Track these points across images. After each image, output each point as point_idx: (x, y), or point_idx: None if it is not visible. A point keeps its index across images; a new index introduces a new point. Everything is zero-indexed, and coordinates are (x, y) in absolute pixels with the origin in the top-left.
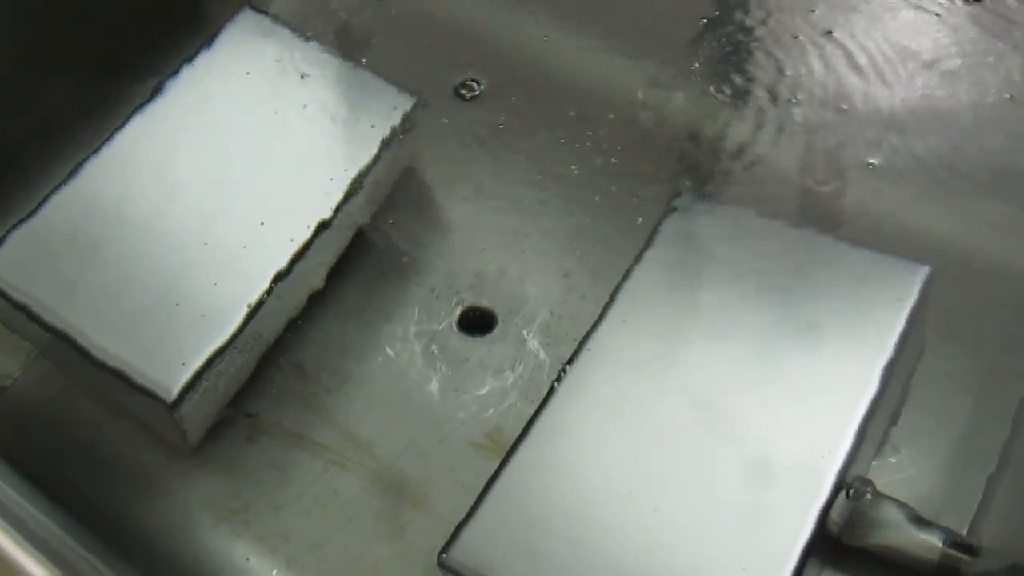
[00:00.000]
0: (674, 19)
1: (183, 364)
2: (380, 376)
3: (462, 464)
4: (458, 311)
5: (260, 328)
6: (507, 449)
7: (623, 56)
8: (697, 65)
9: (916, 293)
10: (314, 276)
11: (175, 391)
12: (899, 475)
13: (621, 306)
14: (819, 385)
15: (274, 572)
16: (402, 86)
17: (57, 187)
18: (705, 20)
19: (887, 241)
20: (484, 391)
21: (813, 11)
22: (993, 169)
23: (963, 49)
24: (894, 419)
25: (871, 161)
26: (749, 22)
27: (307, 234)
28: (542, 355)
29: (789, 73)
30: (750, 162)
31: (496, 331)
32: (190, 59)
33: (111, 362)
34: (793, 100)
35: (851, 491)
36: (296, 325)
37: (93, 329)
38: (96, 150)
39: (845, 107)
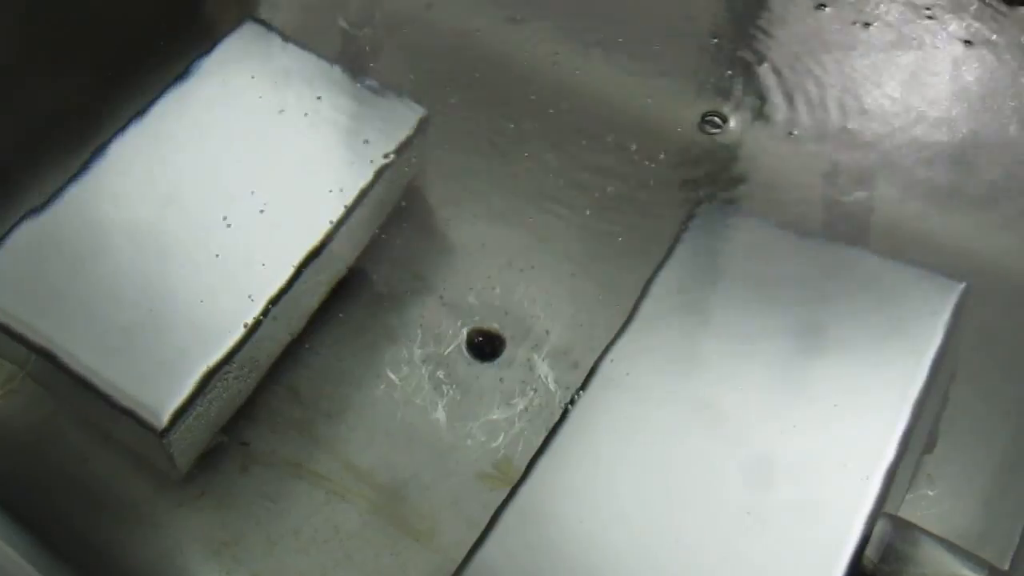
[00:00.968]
0: (686, 34)
1: (174, 387)
2: (382, 403)
3: (469, 496)
4: (465, 334)
5: (256, 351)
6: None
7: (634, 72)
8: (711, 79)
9: (951, 310)
10: (313, 297)
11: (165, 416)
12: (936, 508)
13: (637, 326)
14: (849, 409)
15: None
16: (407, 100)
17: (45, 201)
18: (716, 40)
19: (918, 256)
20: (492, 419)
21: (836, 26)
22: None
23: (989, 63)
24: (929, 446)
25: (900, 174)
26: (763, 37)
27: (306, 252)
28: (553, 381)
29: (810, 85)
30: (770, 177)
31: (504, 356)
32: (187, 70)
33: (98, 384)
34: (815, 111)
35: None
36: (294, 348)
37: (79, 349)
38: (86, 163)
39: (871, 120)
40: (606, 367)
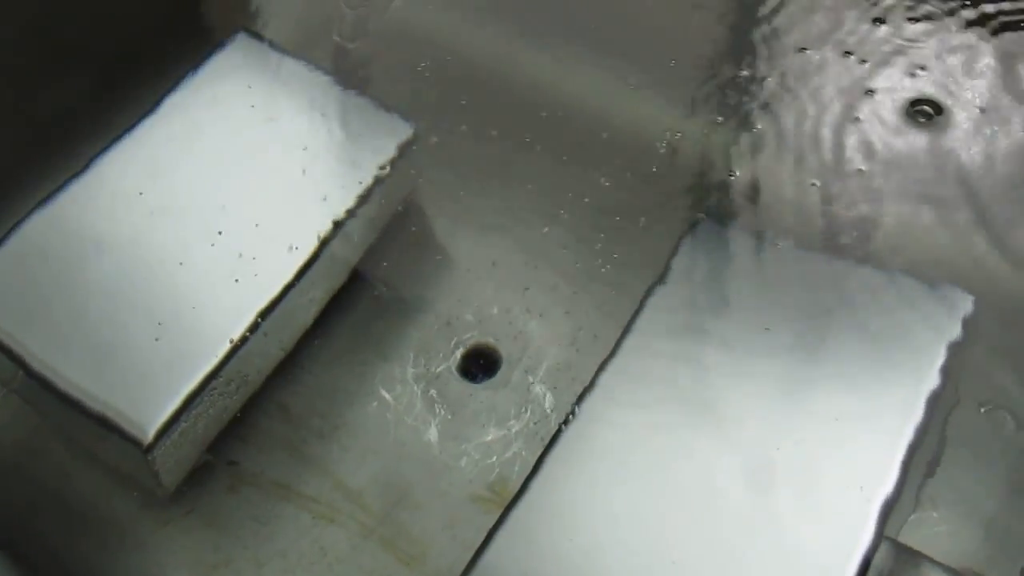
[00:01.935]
0: (682, 49)
1: (160, 402)
2: (374, 422)
3: (462, 519)
4: (459, 353)
5: (245, 367)
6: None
7: (630, 88)
8: (710, 95)
9: (958, 324)
10: (304, 313)
11: (151, 432)
12: (938, 531)
13: (633, 343)
14: (852, 426)
15: None
16: (401, 114)
17: (30, 212)
18: (713, 54)
19: (921, 271)
20: (486, 439)
21: (842, 40)
22: None
23: (999, 76)
24: (933, 466)
25: (901, 187)
26: (765, 51)
27: (297, 267)
28: (549, 400)
29: (809, 97)
30: (769, 191)
31: (500, 374)
32: (179, 82)
33: (82, 399)
34: (814, 123)
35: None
36: (284, 366)
37: (64, 363)
38: (74, 176)
39: (872, 132)
40: (602, 385)
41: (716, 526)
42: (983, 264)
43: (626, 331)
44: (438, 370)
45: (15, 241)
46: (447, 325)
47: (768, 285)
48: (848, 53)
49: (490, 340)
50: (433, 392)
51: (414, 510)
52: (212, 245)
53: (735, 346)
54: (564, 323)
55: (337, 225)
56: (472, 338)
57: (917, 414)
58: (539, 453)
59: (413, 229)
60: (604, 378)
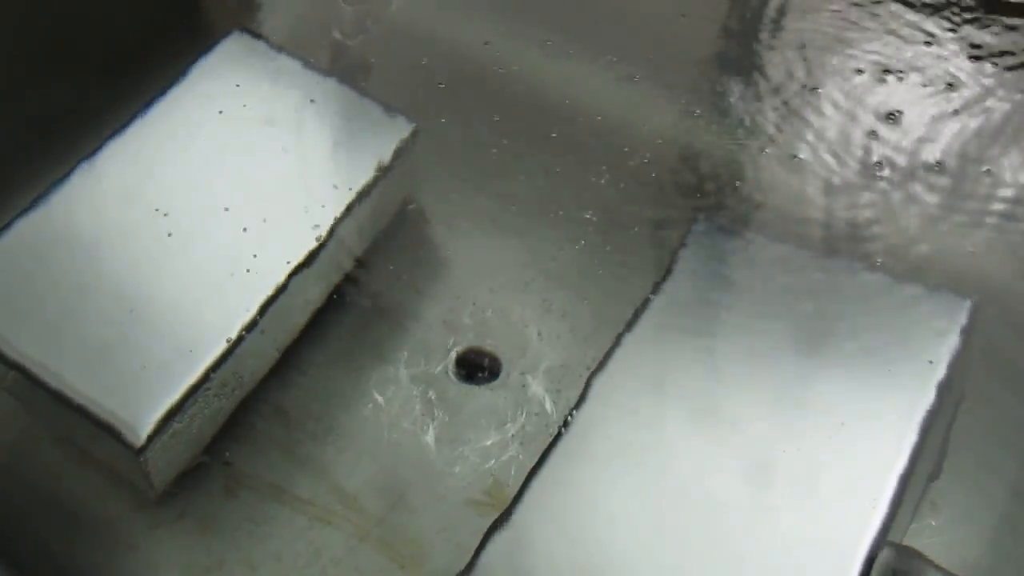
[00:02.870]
0: (684, 50)
1: (152, 403)
2: (370, 425)
3: (458, 522)
4: (456, 355)
5: (240, 367)
6: None
7: (631, 88)
8: (710, 95)
9: (960, 328)
10: (301, 313)
11: (143, 433)
12: (941, 538)
13: (633, 345)
14: (853, 431)
15: None
16: (400, 113)
17: (23, 211)
18: (715, 54)
19: (922, 274)
20: (484, 443)
21: (841, 42)
22: None
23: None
24: (934, 473)
25: (904, 188)
26: (764, 51)
27: (293, 267)
28: (547, 403)
29: (811, 99)
30: (770, 193)
31: (497, 377)
32: (175, 80)
33: (74, 399)
34: (817, 125)
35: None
36: (280, 367)
37: (56, 363)
38: (68, 174)
39: (876, 133)
40: (600, 387)
41: (716, 531)
42: (985, 267)
43: (626, 333)
44: (435, 372)
45: (7, 240)
46: (444, 326)
47: (769, 288)
48: (852, 55)
49: (488, 342)
50: (430, 394)
51: (410, 513)
52: (208, 244)
53: (736, 349)
54: (562, 325)
55: (334, 224)
56: (469, 340)
57: (919, 418)
58: (536, 456)
59: (411, 229)
60: (603, 380)
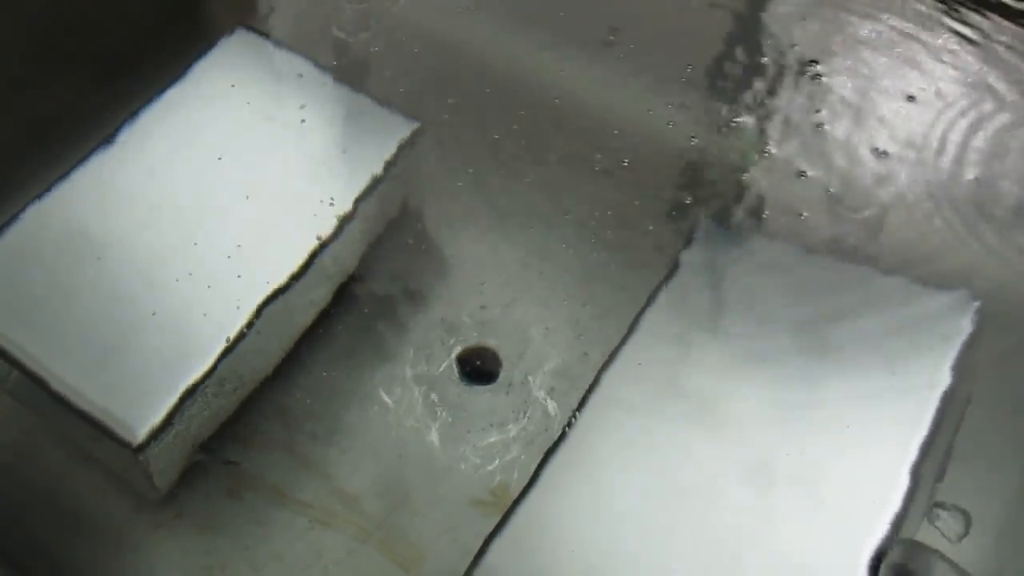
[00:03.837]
0: (688, 51)
1: (152, 402)
2: (373, 425)
3: (462, 523)
4: (459, 355)
5: (240, 367)
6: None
7: (633, 88)
8: (713, 96)
9: (966, 330)
10: (303, 313)
11: (141, 432)
12: (947, 539)
13: (636, 346)
14: (860, 433)
15: None
16: (402, 112)
17: (22, 210)
18: (718, 56)
19: (929, 276)
20: (487, 443)
21: (844, 41)
22: None
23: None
24: (940, 474)
25: (909, 189)
26: (770, 51)
27: (295, 266)
28: (550, 404)
29: (818, 100)
30: (775, 195)
31: (500, 377)
32: (176, 78)
33: (74, 399)
34: (821, 126)
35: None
36: (283, 367)
37: (56, 362)
38: (66, 173)
39: (879, 134)
40: (604, 387)
41: (720, 532)
42: (990, 267)
43: (629, 333)
44: (438, 372)
45: (8, 239)
46: (447, 327)
47: (774, 288)
48: (860, 56)
49: (491, 342)
50: (433, 395)
51: (412, 514)
52: (209, 243)
53: (740, 349)
54: (565, 325)
55: (336, 224)
56: (472, 341)
57: (927, 419)
58: (539, 456)
59: (413, 228)
60: (606, 381)
